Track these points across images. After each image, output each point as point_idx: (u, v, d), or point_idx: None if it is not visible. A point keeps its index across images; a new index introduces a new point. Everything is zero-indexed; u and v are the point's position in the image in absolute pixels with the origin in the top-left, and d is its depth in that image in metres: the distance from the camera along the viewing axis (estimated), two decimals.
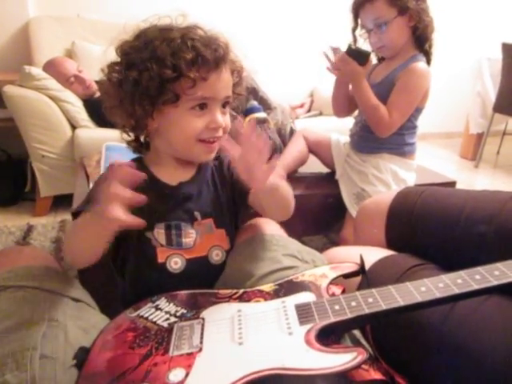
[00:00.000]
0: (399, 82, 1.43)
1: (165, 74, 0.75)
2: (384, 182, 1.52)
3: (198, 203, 0.88)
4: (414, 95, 1.44)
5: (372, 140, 1.52)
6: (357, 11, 1.46)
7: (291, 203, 0.88)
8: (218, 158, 0.96)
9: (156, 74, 0.75)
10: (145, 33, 0.80)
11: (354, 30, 1.51)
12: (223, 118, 0.82)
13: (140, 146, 0.92)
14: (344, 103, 1.60)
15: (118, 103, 0.80)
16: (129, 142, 0.92)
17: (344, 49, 1.42)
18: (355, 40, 1.52)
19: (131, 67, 0.78)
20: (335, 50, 1.43)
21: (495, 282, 0.60)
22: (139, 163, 0.90)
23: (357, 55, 1.40)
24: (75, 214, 0.80)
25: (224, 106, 0.84)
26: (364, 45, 1.51)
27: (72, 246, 0.77)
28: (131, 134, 0.89)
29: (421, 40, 1.46)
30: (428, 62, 1.49)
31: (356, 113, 1.66)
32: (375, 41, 1.45)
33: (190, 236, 0.86)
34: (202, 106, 0.80)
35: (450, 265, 0.80)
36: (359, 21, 1.48)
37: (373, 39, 1.46)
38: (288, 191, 0.86)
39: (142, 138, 0.91)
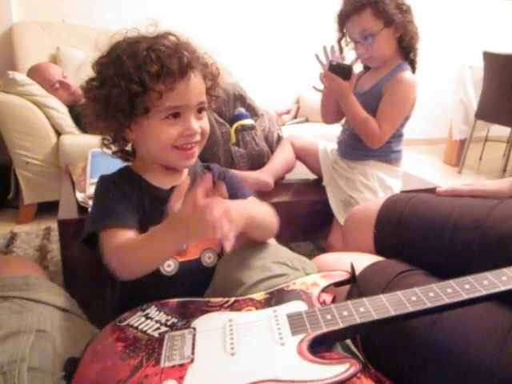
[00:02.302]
0: (387, 93, 1.45)
1: (132, 88, 0.76)
2: (371, 188, 1.53)
3: None
4: (403, 106, 1.45)
5: (359, 148, 1.53)
6: (343, 22, 1.46)
7: (270, 226, 0.89)
8: (208, 167, 0.98)
9: (124, 89, 0.76)
10: (115, 48, 0.81)
11: (339, 40, 1.52)
12: (199, 123, 0.83)
13: (127, 155, 0.93)
14: (333, 110, 1.60)
15: (95, 118, 0.82)
16: (115, 153, 0.92)
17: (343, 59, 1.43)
18: (341, 50, 1.53)
19: (103, 84, 0.79)
20: (332, 50, 1.44)
21: (484, 292, 0.61)
22: (128, 171, 0.90)
23: (340, 71, 1.41)
24: (88, 236, 0.81)
25: (200, 111, 0.84)
26: (348, 53, 1.52)
27: (138, 259, 0.74)
28: (112, 146, 0.90)
29: (406, 50, 1.48)
30: (413, 70, 1.51)
31: (343, 120, 1.66)
32: (362, 52, 1.46)
33: None
34: (175, 115, 0.81)
35: (438, 270, 0.82)
36: (345, 31, 1.49)
37: (360, 50, 1.46)
38: (264, 217, 0.87)
39: (128, 147, 0.92)
